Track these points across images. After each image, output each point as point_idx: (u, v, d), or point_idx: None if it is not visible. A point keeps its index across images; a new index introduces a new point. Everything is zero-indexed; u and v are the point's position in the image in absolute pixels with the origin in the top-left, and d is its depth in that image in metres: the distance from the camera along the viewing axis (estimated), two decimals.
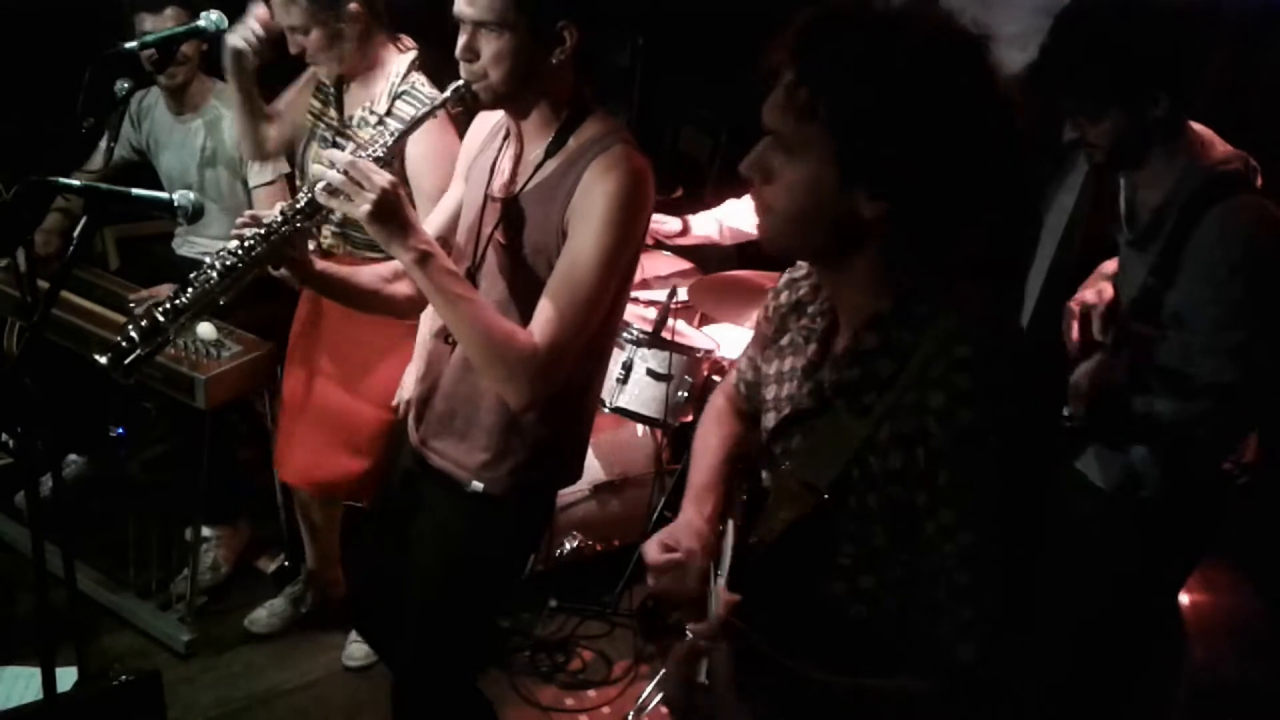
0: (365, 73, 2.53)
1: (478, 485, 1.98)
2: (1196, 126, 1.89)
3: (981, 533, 1.17)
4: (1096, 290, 2.05)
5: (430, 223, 1.99)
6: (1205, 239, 1.81)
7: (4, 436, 3.29)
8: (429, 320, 2.30)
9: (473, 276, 1.93)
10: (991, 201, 1.20)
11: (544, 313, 1.79)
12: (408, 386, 2.55)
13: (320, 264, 1.92)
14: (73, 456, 3.54)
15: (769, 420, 1.43)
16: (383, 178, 1.70)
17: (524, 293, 1.87)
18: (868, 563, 1.26)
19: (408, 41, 2.57)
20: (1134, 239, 1.94)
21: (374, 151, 1.81)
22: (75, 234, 1.71)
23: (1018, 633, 1.19)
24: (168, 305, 1.77)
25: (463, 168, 2.08)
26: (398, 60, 2.53)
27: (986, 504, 1.17)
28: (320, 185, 1.72)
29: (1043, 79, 1.85)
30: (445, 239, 1.94)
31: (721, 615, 1.26)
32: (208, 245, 3.22)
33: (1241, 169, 1.85)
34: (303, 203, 1.79)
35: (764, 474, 1.47)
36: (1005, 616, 1.18)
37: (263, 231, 1.79)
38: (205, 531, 3.15)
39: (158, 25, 2.86)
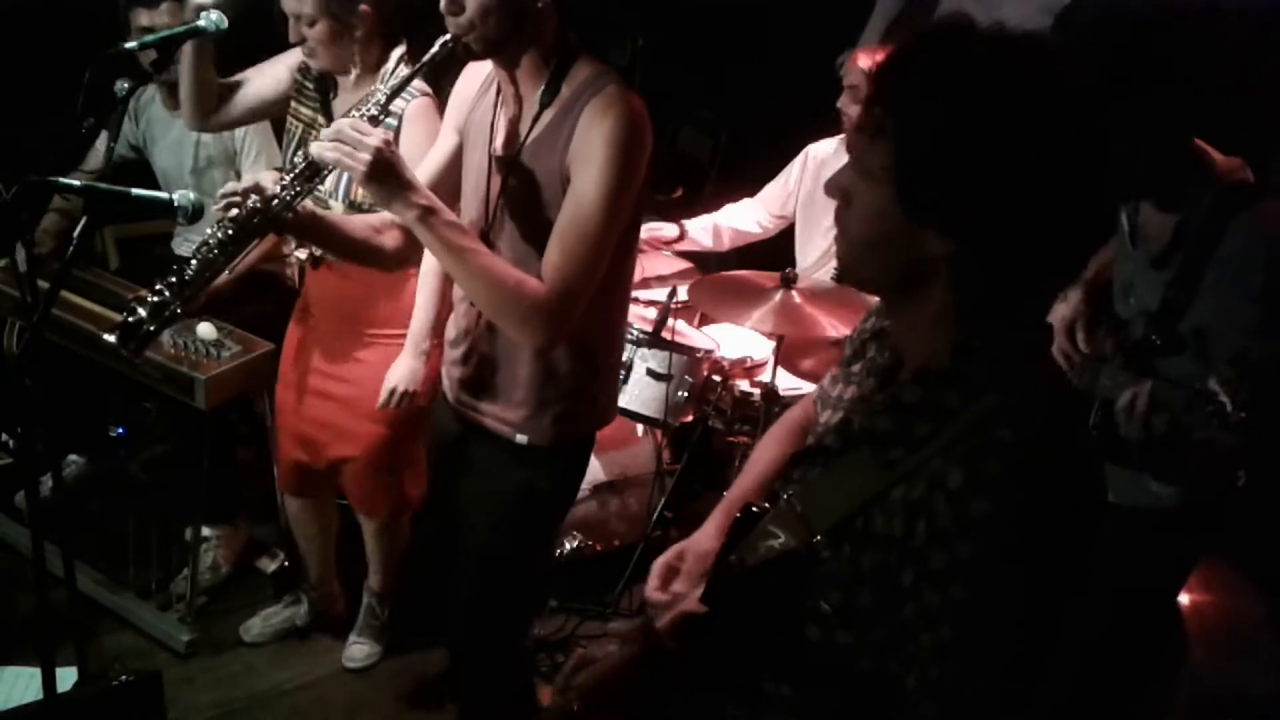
0: (359, 76, 2.51)
1: (523, 438, 2.03)
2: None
3: (964, 631, 1.03)
4: (1072, 306, 2.05)
5: (420, 173, 1.98)
6: (1233, 250, 1.79)
7: (4, 436, 3.29)
8: (432, 273, 2.34)
9: (486, 237, 1.94)
10: (1077, 249, 1.10)
11: (552, 255, 1.83)
12: (394, 378, 2.53)
13: (312, 209, 1.92)
14: (73, 456, 3.54)
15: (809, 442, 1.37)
16: (376, 137, 1.71)
17: (538, 242, 1.88)
18: (848, 619, 1.14)
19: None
20: (1151, 258, 1.92)
21: (367, 110, 1.82)
22: (75, 234, 1.72)
23: None
24: (173, 280, 1.78)
25: (454, 119, 2.09)
26: (385, 63, 2.51)
27: (979, 604, 1.03)
28: (313, 148, 1.73)
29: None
30: (436, 189, 1.92)
31: (650, 624, 1.22)
32: None
33: (1247, 177, 1.85)
34: (301, 167, 1.81)
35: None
36: None
37: (263, 199, 1.80)
38: (205, 531, 3.14)
39: (154, 20, 2.85)
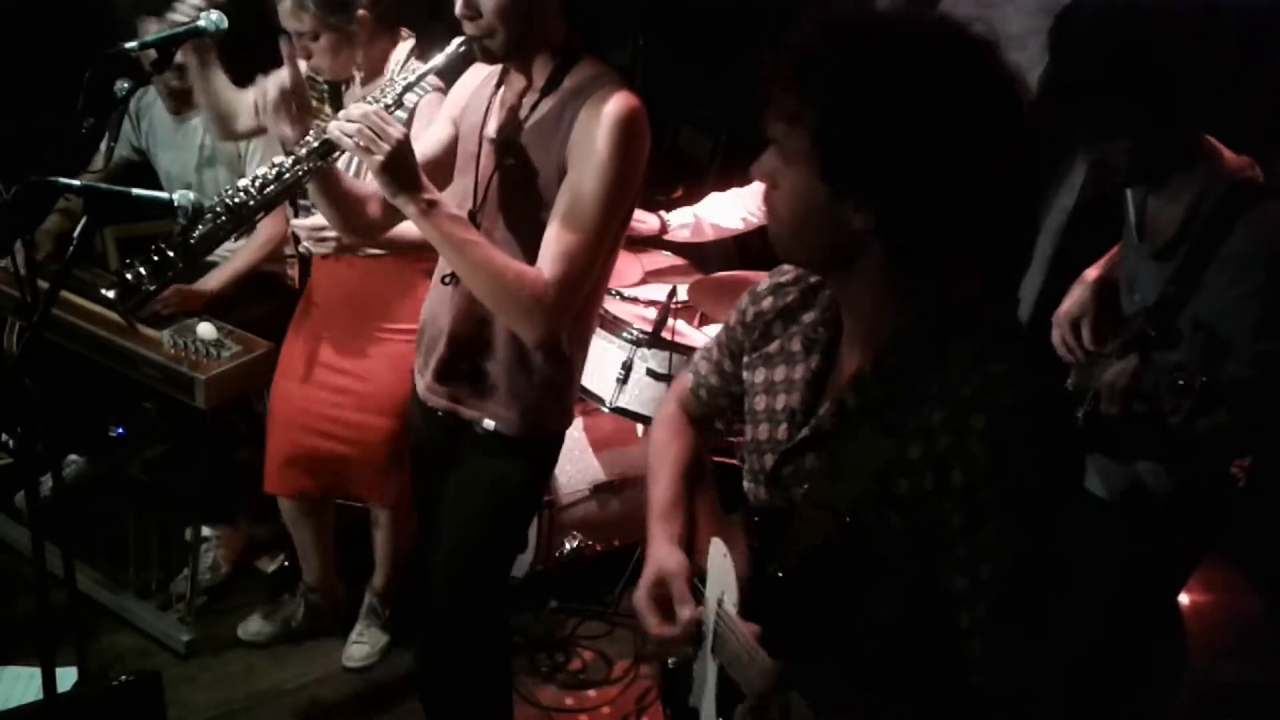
0: (367, 74, 2.51)
1: (490, 424, 2.04)
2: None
3: (1023, 553, 1.15)
4: (1079, 302, 2.06)
5: None
6: (1237, 247, 1.80)
7: (4, 436, 3.29)
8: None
9: (475, 218, 1.96)
10: (991, 205, 1.15)
11: (552, 249, 1.84)
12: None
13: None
14: (73, 456, 3.54)
15: (762, 432, 1.41)
16: (397, 130, 1.74)
17: (527, 230, 1.91)
18: (883, 586, 1.23)
19: (405, 32, 2.56)
20: (1155, 251, 1.93)
21: (385, 99, 1.84)
22: (75, 234, 1.71)
23: (1045, 655, 1.18)
24: (177, 241, 1.79)
25: (450, 109, 2.11)
26: (396, 51, 2.52)
27: (1032, 524, 1.15)
28: (331, 130, 1.75)
29: (1056, 105, 1.83)
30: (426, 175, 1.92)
31: (774, 664, 1.25)
32: None
33: (1257, 176, 1.86)
34: (316, 144, 1.82)
35: (751, 488, 1.44)
36: (1036, 638, 1.17)
37: (275, 172, 1.81)
38: (205, 531, 3.14)
39: (162, 29, 2.85)
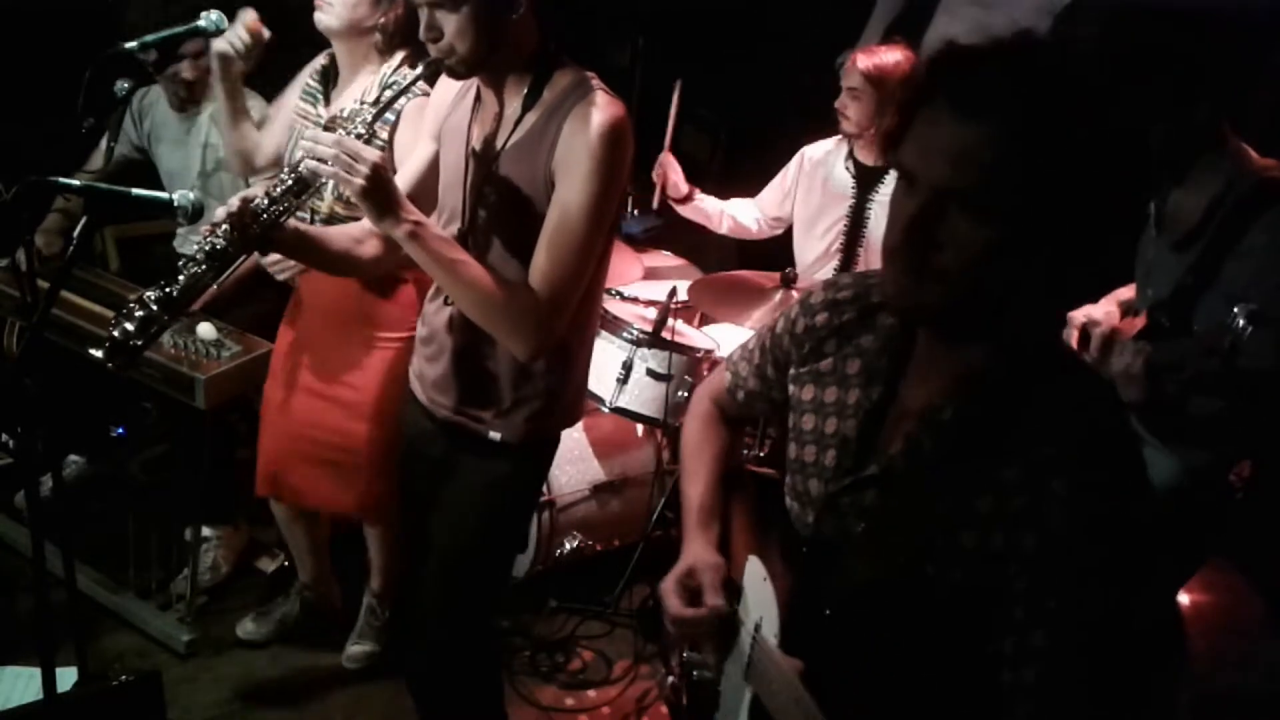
0: (356, 70, 2.49)
1: (496, 435, 2.05)
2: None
3: (1089, 626, 1.09)
4: (1105, 311, 2.05)
5: (399, 181, 1.97)
6: (1259, 241, 1.81)
7: (4, 436, 3.30)
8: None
9: (464, 236, 1.95)
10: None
11: (541, 264, 1.85)
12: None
13: (294, 224, 1.94)
14: (73, 456, 3.54)
15: (809, 454, 1.36)
16: (372, 154, 1.73)
17: (517, 245, 1.91)
18: (930, 635, 1.18)
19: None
20: (1174, 241, 1.93)
21: (355, 129, 1.84)
22: (75, 234, 1.72)
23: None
24: (159, 295, 1.78)
25: (431, 126, 2.11)
26: (385, 66, 2.47)
27: (1100, 599, 1.09)
28: (306, 163, 1.74)
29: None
30: (414, 197, 1.91)
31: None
32: None
33: None
34: (290, 181, 1.81)
35: (796, 511, 1.39)
36: (1090, 709, 1.10)
37: (251, 214, 1.80)
38: (205, 531, 3.14)
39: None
